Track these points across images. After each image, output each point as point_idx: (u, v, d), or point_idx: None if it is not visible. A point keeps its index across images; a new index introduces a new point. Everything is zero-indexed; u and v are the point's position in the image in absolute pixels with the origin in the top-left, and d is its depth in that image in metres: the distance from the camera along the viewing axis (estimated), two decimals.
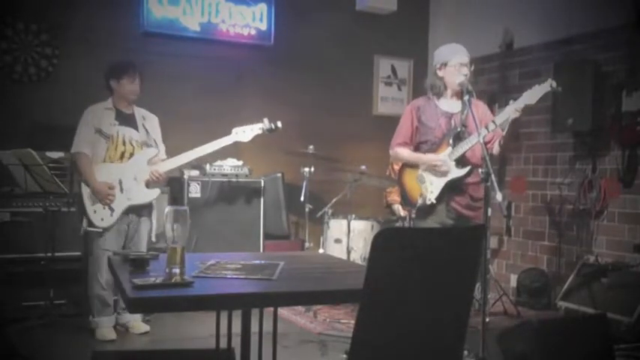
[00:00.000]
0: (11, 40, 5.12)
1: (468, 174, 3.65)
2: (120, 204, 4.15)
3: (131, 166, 4.19)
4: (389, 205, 5.60)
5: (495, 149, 3.69)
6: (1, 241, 4.35)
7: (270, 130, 4.47)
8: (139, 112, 4.33)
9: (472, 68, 3.72)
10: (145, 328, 4.27)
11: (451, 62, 3.69)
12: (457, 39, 4.10)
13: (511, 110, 3.41)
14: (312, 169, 5.32)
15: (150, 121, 4.36)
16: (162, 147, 4.39)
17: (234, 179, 5.23)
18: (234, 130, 4.40)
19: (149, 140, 4.30)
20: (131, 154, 4.21)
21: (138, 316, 4.29)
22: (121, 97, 4.23)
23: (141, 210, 4.26)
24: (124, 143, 4.20)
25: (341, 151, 6.01)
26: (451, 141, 3.65)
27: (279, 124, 4.48)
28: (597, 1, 5.07)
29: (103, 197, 4.09)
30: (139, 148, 4.24)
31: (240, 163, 5.30)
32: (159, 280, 1.96)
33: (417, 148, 3.83)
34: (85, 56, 4.94)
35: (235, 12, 5.85)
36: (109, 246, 4.07)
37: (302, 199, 5.30)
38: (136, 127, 4.27)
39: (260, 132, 4.44)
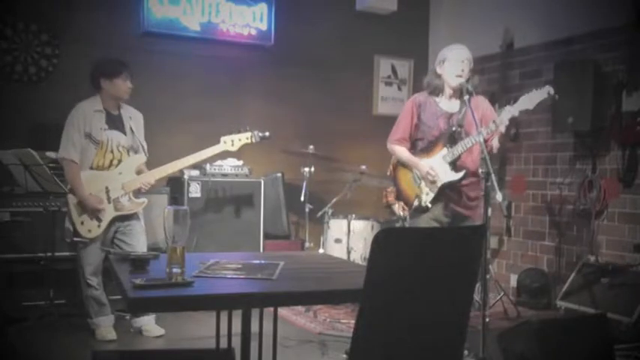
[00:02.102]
0: (11, 40, 5.12)
1: (462, 178, 3.65)
2: (107, 214, 4.06)
3: (119, 175, 4.10)
4: (389, 205, 5.59)
5: (494, 146, 3.68)
6: (1, 241, 4.34)
7: (261, 139, 4.43)
8: (126, 112, 4.22)
9: (471, 66, 3.71)
10: (160, 331, 4.21)
11: (449, 58, 3.70)
12: (457, 39, 4.10)
13: (508, 116, 3.41)
14: (312, 169, 5.32)
15: (136, 120, 4.26)
16: (144, 144, 4.29)
17: (234, 179, 5.23)
18: (222, 139, 4.34)
19: (135, 144, 4.20)
20: (119, 161, 4.12)
21: (152, 319, 4.24)
22: (112, 96, 4.11)
23: (128, 216, 4.17)
24: (111, 150, 4.09)
25: (341, 151, 6.01)
26: (447, 142, 3.65)
27: (267, 133, 4.43)
28: (597, 1, 5.07)
29: (93, 211, 4.01)
30: (125, 153, 4.15)
31: (240, 163, 5.31)
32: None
33: (412, 145, 3.83)
34: (85, 56, 4.93)
35: (235, 12, 5.85)
36: (93, 254, 4.05)
37: (302, 199, 5.30)
38: (123, 131, 4.16)
39: (248, 141, 4.40)
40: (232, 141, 4.36)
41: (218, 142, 4.35)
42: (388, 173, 4.05)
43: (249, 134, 4.38)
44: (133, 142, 4.21)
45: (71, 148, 4.01)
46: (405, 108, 3.87)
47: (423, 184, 3.72)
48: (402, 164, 3.87)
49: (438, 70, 3.75)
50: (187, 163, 4.27)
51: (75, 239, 4.03)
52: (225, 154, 5.13)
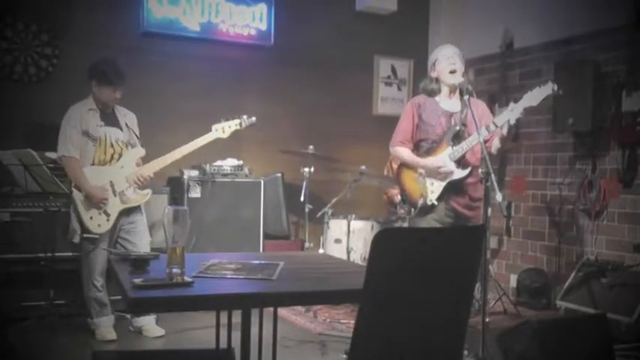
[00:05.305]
0: (11, 40, 5.12)
1: (469, 174, 3.66)
2: (114, 208, 4.12)
3: (121, 168, 4.17)
4: (391, 201, 5.56)
5: (494, 146, 3.69)
6: (1, 241, 4.34)
7: (249, 125, 4.49)
8: (119, 111, 4.30)
9: (463, 61, 3.74)
10: (160, 331, 4.23)
11: (439, 58, 3.76)
12: (457, 39, 4.13)
13: (515, 115, 3.41)
14: (312, 169, 5.32)
15: (130, 119, 4.34)
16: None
17: (234, 179, 5.23)
18: (213, 127, 4.41)
19: (132, 140, 4.29)
20: (119, 155, 4.19)
21: (152, 320, 4.27)
22: (98, 101, 4.19)
23: (132, 210, 4.22)
24: (111, 145, 4.17)
25: (341, 151, 6.01)
26: (451, 141, 3.66)
27: (254, 119, 4.51)
28: (597, 1, 5.07)
29: (98, 201, 4.05)
30: (125, 148, 4.22)
31: (240, 163, 5.30)
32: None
33: (416, 146, 3.83)
34: (85, 56, 4.93)
35: (235, 12, 5.84)
36: (101, 255, 4.07)
37: (302, 199, 5.30)
38: (120, 127, 4.25)
39: (238, 127, 4.46)
40: (223, 128, 4.42)
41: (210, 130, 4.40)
42: (385, 173, 4.06)
43: (238, 120, 4.46)
44: (130, 138, 4.28)
45: (70, 145, 4.08)
46: (405, 110, 3.89)
47: (427, 182, 3.71)
48: (405, 166, 3.87)
49: (432, 74, 3.80)
50: (185, 152, 4.28)
51: (85, 236, 4.07)
52: (225, 154, 5.16)
